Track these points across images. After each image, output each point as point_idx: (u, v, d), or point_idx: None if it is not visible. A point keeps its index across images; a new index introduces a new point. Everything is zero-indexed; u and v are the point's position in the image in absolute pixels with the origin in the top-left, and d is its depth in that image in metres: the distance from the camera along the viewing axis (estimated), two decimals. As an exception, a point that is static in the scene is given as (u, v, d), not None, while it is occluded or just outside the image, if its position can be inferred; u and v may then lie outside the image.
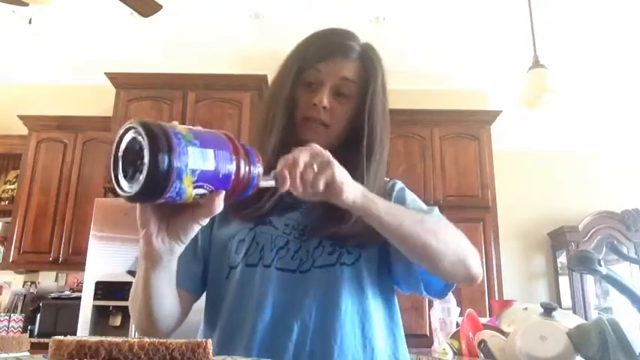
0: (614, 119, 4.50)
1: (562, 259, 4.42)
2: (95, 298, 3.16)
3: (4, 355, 0.68)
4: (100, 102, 3.99)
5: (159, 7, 2.84)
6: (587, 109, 4.43)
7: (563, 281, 4.39)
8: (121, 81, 3.81)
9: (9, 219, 3.83)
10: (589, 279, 4.19)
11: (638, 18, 3.43)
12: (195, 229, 0.63)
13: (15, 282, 3.96)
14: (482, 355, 1.24)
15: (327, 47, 0.91)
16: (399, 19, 3.57)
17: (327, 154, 0.68)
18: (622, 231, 4.22)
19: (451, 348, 1.62)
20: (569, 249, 4.20)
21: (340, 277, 0.85)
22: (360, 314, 0.85)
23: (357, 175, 0.86)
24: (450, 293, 1.99)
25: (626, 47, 3.77)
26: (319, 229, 0.86)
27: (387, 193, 0.94)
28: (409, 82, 4.25)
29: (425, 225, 0.78)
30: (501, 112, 3.90)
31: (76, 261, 3.52)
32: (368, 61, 0.91)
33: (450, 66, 4.12)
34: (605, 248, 4.00)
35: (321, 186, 0.66)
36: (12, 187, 4.00)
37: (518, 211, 4.37)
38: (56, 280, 3.95)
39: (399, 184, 0.98)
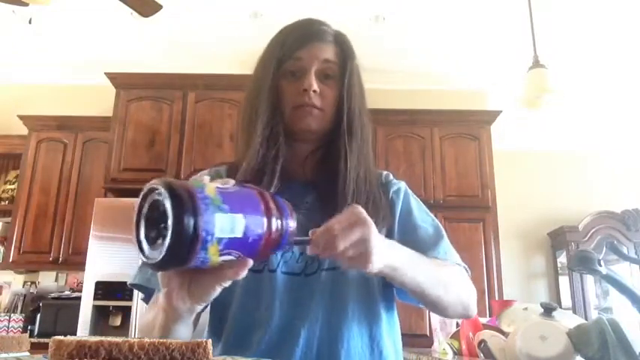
0: (614, 119, 4.50)
1: (562, 259, 4.42)
2: (95, 298, 3.16)
3: (4, 355, 0.68)
4: (100, 102, 3.99)
5: (159, 7, 2.84)
6: (587, 109, 4.43)
7: (563, 281, 4.39)
8: (121, 81, 3.81)
9: (9, 219, 3.83)
10: (589, 279, 4.19)
11: (638, 18, 3.43)
12: (218, 290, 0.60)
13: (15, 282, 3.96)
14: (482, 355, 1.24)
15: (303, 35, 0.91)
16: (399, 19, 3.57)
17: (366, 219, 0.65)
18: (622, 231, 4.22)
19: (451, 348, 1.62)
20: (569, 249, 4.20)
21: (347, 279, 0.84)
22: (368, 317, 0.85)
23: (340, 155, 0.87)
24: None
25: (626, 47, 3.77)
26: (305, 226, 0.85)
27: (385, 190, 0.94)
28: (409, 82, 4.25)
29: (440, 280, 0.81)
30: (501, 112, 3.91)
31: (76, 261, 3.53)
32: (343, 43, 0.93)
33: (450, 66, 4.13)
34: (605, 248, 4.00)
35: (351, 255, 0.64)
36: (12, 187, 4.01)
37: (518, 211, 4.37)
38: (56, 280, 3.96)
39: (404, 189, 0.97)
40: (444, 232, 0.93)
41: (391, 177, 0.99)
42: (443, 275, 0.82)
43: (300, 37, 0.91)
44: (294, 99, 0.88)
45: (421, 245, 0.86)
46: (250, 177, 0.87)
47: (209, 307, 0.89)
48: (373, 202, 0.87)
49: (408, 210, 0.93)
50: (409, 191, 0.98)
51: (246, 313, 0.83)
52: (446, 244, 0.91)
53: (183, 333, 0.71)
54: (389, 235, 0.88)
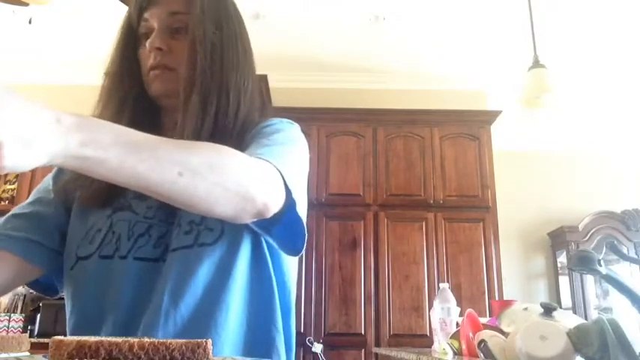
0: (614, 119, 4.51)
1: (562, 259, 4.43)
2: (95, 298, 3.16)
3: (4, 355, 0.68)
4: (100, 102, 3.99)
5: (159, 7, 2.84)
6: (588, 109, 4.43)
7: (563, 281, 4.40)
8: (121, 81, 3.81)
9: (9, 219, 3.83)
10: (589, 279, 4.20)
11: (638, 18, 3.43)
12: None
13: (15, 282, 3.96)
14: (482, 355, 1.24)
15: None
16: (398, 19, 3.57)
17: None
18: (622, 231, 4.23)
19: (451, 348, 1.62)
20: (569, 249, 4.21)
21: (198, 259, 0.73)
22: (221, 296, 0.73)
23: (179, 114, 0.78)
24: (450, 293, 1.99)
25: (626, 47, 3.77)
26: (167, 205, 0.68)
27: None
28: (409, 82, 4.25)
29: (181, 164, 0.58)
30: (501, 112, 3.91)
31: (76, 261, 3.53)
32: None
33: (450, 66, 4.13)
34: (605, 248, 4.01)
35: None
36: (12, 187, 4.01)
37: (518, 211, 4.38)
38: (56, 280, 3.96)
39: (268, 124, 0.83)
40: (287, 145, 0.78)
41: (263, 122, 0.84)
42: (188, 159, 0.59)
43: None
44: (145, 62, 0.82)
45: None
46: None
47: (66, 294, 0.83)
48: None
49: (258, 134, 0.79)
50: (276, 126, 0.82)
51: (95, 300, 0.76)
52: (276, 149, 0.74)
53: None
54: None
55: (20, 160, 0.46)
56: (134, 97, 0.82)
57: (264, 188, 0.66)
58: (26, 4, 2.59)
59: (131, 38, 0.84)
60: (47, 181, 0.89)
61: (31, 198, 0.87)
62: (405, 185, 3.70)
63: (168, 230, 0.77)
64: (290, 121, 0.87)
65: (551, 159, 4.63)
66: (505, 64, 3.97)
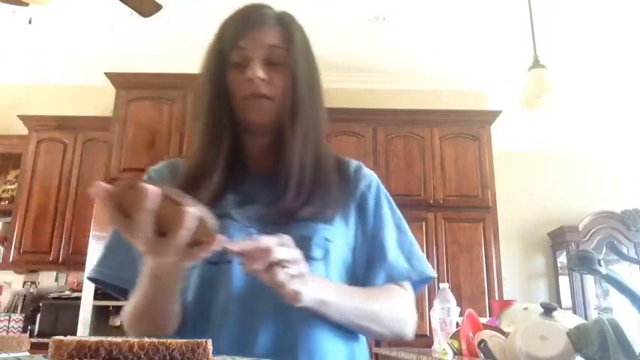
0: (614, 119, 4.51)
1: (562, 259, 4.43)
2: (95, 298, 3.16)
3: (4, 355, 0.68)
4: (100, 102, 3.99)
5: (159, 7, 2.84)
6: (588, 109, 4.43)
7: (563, 281, 4.40)
8: (120, 81, 3.81)
9: (9, 219, 3.83)
10: (589, 279, 4.20)
11: (638, 18, 3.43)
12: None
13: (15, 282, 3.96)
14: (482, 355, 1.24)
15: (242, 22, 0.87)
16: (398, 19, 3.57)
17: (301, 259, 0.69)
18: (622, 231, 4.23)
19: (451, 348, 1.62)
20: (569, 249, 4.21)
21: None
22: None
23: (285, 142, 0.85)
24: (450, 293, 1.99)
25: (626, 47, 3.77)
26: (286, 214, 0.81)
27: (351, 179, 0.95)
28: (409, 82, 4.25)
29: (370, 314, 0.82)
30: (501, 112, 3.91)
31: (76, 261, 3.53)
32: (288, 24, 0.89)
33: (450, 66, 4.13)
34: (605, 248, 4.01)
35: (284, 288, 0.67)
36: (12, 187, 4.01)
37: (518, 211, 4.38)
38: (56, 280, 3.96)
39: (375, 184, 0.97)
40: (413, 245, 0.93)
41: (363, 170, 0.99)
42: (375, 309, 0.83)
43: (240, 26, 0.87)
44: (241, 89, 0.84)
45: (388, 263, 0.87)
46: (192, 174, 0.85)
47: None
48: (323, 189, 0.85)
49: (378, 209, 0.94)
50: (382, 191, 0.98)
51: (203, 309, 0.79)
52: (416, 259, 0.91)
53: (172, 285, 0.73)
54: (345, 223, 0.88)
55: (305, 292, 0.69)
56: (224, 119, 0.86)
57: (413, 328, 0.89)
58: (26, 4, 2.59)
59: (222, 63, 0.86)
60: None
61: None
62: (405, 185, 3.70)
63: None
64: (367, 168, 1.02)
65: (551, 159, 4.62)
66: (505, 64, 3.97)
